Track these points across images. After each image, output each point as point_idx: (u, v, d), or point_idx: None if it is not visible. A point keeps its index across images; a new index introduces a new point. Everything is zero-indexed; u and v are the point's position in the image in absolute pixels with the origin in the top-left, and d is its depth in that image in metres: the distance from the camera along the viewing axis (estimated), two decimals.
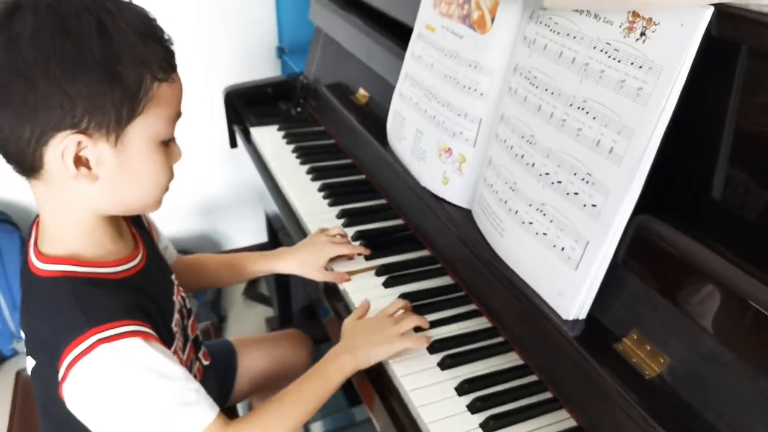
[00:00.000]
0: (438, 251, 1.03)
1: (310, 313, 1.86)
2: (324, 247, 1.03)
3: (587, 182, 0.70)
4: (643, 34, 0.64)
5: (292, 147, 1.40)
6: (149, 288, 0.76)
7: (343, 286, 1.00)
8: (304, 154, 1.36)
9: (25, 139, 0.63)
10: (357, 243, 1.07)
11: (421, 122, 1.00)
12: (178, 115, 0.71)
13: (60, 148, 0.64)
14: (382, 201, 1.20)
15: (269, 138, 1.45)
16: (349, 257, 1.04)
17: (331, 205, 1.20)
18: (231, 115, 1.57)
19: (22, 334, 0.76)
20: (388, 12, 1.24)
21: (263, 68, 1.98)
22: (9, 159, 0.67)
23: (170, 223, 1.91)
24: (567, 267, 0.73)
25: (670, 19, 0.61)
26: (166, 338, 0.75)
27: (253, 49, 1.98)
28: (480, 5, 0.87)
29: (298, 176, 1.30)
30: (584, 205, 0.71)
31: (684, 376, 0.64)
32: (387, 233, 1.12)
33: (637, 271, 0.69)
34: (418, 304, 0.94)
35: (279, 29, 1.97)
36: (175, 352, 0.78)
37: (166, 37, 0.69)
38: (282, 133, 1.46)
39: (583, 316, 0.73)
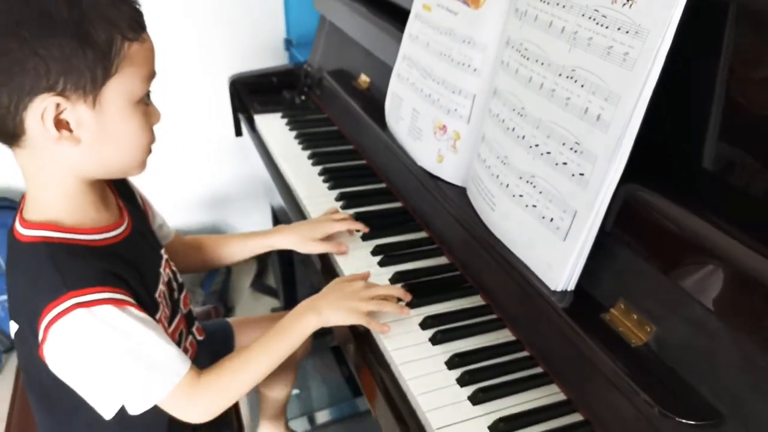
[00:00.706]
0: (435, 232, 1.03)
1: None
2: (323, 224, 1.04)
3: (575, 151, 0.70)
4: None
5: (294, 133, 1.41)
6: (131, 257, 0.77)
7: (339, 267, 1.00)
8: (306, 140, 1.37)
9: (4, 106, 0.65)
10: None
11: (417, 101, 1.01)
12: (153, 74, 0.73)
13: (39, 111, 0.65)
14: (382, 185, 1.20)
15: (273, 125, 1.46)
16: (349, 233, 1.04)
17: (330, 188, 1.20)
18: (236, 104, 1.59)
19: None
20: None
21: (271, 61, 1.99)
22: None
23: (176, 216, 1.93)
24: (555, 238, 0.73)
25: None
26: (149, 306, 0.77)
27: (261, 42, 1.99)
28: None
29: (299, 161, 1.30)
30: (572, 175, 0.70)
31: (670, 344, 0.64)
32: (385, 215, 1.12)
33: (624, 241, 0.69)
34: (412, 282, 0.93)
35: (287, 22, 1.99)
36: (159, 321, 0.79)
37: None
38: (285, 120, 1.47)
39: (571, 287, 0.73)
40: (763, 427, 0.55)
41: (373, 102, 1.25)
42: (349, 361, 0.95)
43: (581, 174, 0.69)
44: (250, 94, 1.59)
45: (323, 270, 1.04)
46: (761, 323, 0.56)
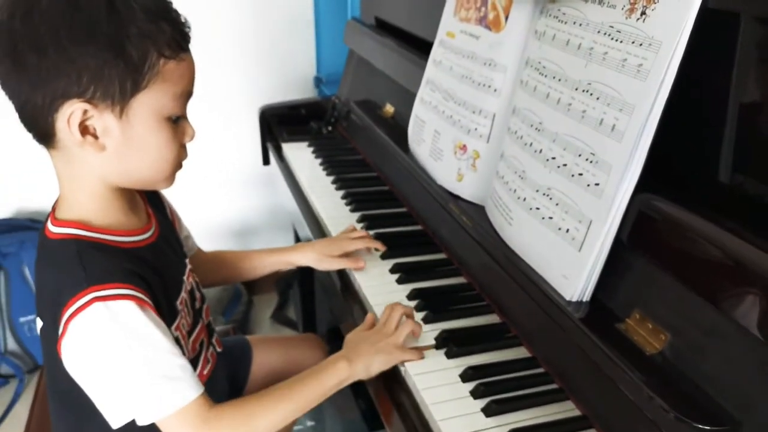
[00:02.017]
0: (453, 254, 1.04)
1: (335, 337, 1.87)
2: (341, 241, 1.06)
3: (591, 162, 0.71)
4: (643, 13, 0.66)
5: (320, 160, 1.45)
6: (155, 262, 0.78)
7: (358, 282, 1.01)
8: (331, 167, 1.40)
9: (38, 106, 0.68)
10: None
11: (439, 123, 1.03)
12: (188, 93, 0.75)
13: (67, 114, 0.68)
14: (403, 209, 1.22)
15: (299, 153, 1.50)
16: (367, 251, 1.06)
17: (352, 210, 1.23)
18: (265, 133, 1.64)
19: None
20: (412, 31, 1.30)
21: (301, 96, 2.06)
22: (28, 126, 0.72)
23: (202, 244, 1.98)
24: (571, 248, 0.73)
25: None
26: (166, 312, 0.77)
27: (292, 79, 2.07)
28: (495, 6, 0.91)
29: (323, 186, 1.34)
30: (588, 185, 0.71)
31: (684, 351, 0.63)
32: (404, 236, 1.14)
33: (639, 250, 0.69)
34: (429, 301, 0.94)
35: (317, 60, 2.06)
36: (177, 329, 0.80)
37: (181, 19, 0.73)
38: (312, 148, 1.51)
39: (587, 297, 0.73)
40: None
41: (397, 129, 1.28)
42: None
43: (596, 184, 0.70)
44: (279, 125, 1.65)
45: (342, 288, 1.05)
46: None
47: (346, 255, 1.04)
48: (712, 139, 0.67)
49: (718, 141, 0.66)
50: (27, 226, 1.88)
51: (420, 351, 0.83)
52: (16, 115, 0.72)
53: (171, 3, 0.73)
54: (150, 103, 0.71)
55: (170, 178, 0.78)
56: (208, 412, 0.73)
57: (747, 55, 0.62)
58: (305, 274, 1.84)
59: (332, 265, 1.04)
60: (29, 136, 0.74)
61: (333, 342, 1.86)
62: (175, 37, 0.71)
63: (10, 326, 1.86)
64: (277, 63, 2.03)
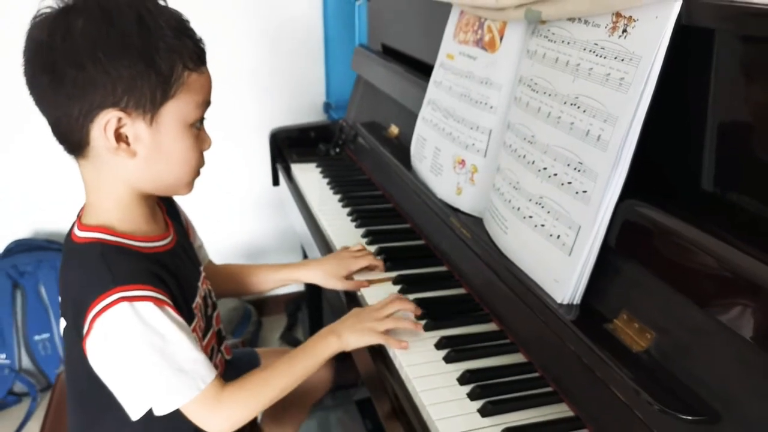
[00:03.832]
0: (454, 266, 1.08)
1: (341, 356, 1.90)
2: (347, 261, 1.09)
3: (578, 171, 0.75)
4: (624, 30, 0.71)
5: (327, 180, 1.49)
6: (173, 267, 0.84)
7: (361, 293, 1.05)
8: (338, 185, 1.45)
9: (74, 117, 0.74)
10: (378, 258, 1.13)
11: (439, 140, 1.08)
12: (207, 102, 0.81)
13: (103, 122, 0.74)
14: (406, 225, 1.26)
15: (308, 173, 1.56)
16: (370, 268, 1.09)
17: (357, 226, 1.27)
18: (275, 155, 1.70)
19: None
20: (415, 56, 1.36)
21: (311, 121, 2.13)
22: (60, 138, 0.78)
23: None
24: (562, 253, 0.77)
25: (647, 14, 0.68)
26: (186, 315, 0.82)
27: (303, 105, 2.14)
28: (491, 28, 0.96)
29: (330, 204, 1.38)
30: (576, 193, 0.75)
31: (668, 348, 0.66)
32: (407, 250, 1.17)
33: (626, 254, 0.73)
34: (430, 310, 0.97)
35: (327, 87, 2.13)
36: (194, 331, 0.84)
37: (197, 36, 0.79)
38: (320, 169, 1.56)
39: (577, 300, 0.76)
40: (754, 422, 0.56)
41: (401, 148, 1.33)
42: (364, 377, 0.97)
43: (584, 191, 0.74)
44: (289, 147, 1.70)
45: (348, 301, 1.08)
46: (751, 324, 0.58)
47: (351, 276, 1.08)
48: (693, 147, 0.71)
49: (698, 149, 0.70)
50: (44, 246, 1.93)
51: (400, 341, 0.89)
52: (36, 138, 0.78)
53: (189, 21, 0.79)
54: (177, 111, 0.77)
55: (190, 184, 0.84)
56: (221, 393, 0.81)
57: (721, 67, 0.66)
58: (314, 295, 1.87)
59: (338, 286, 1.08)
60: (48, 159, 0.80)
61: (339, 357, 1.89)
62: (196, 51, 0.78)
63: (26, 344, 1.90)
64: (288, 90, 2.10)
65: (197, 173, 0.84)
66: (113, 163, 0.78)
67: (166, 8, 0.77)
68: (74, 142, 0.77)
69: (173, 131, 0.78)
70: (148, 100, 0.74)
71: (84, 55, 0.72)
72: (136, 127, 0.76)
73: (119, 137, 0.76)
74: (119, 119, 0.74)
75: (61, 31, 0.72)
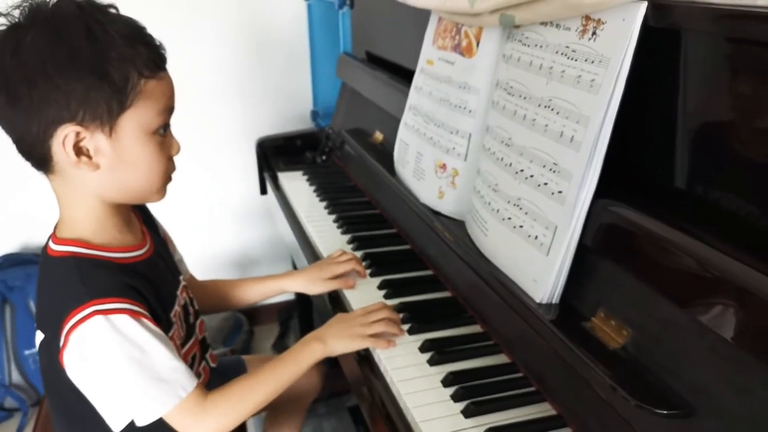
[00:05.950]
0: (438, 270, 1.08)
1: (332, 363, 1.90)
2: (329, 265, 1.10)
3: (554, 171, 0.76)
4: (594, 33, 0.72)
5: (314, 188, 1.50)
6: (150, 276, 0.84)
7: (347, 299, 1.06)
8: (324, 193, 1.46)
9: (34, 134, 0.74)
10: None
11: (421, 145, 1.09)
12: (170, 108, 0.81)
13: (61, 138, 0.74)
14: (392, 230, 1.27)
15: (295, 182, 1.56)
16: (358, 274, 1.10)
17: (343, 233, 1.28)
18: (262, 164, 1.70)
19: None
20: (398, 62, 1.37)
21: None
22: (25, 155, 0.78)
23: (202, 274, 2.03)
24: (540, 254, 0.78)
25: (614, 17, 0.69)
26: (163, 323, 0.82)
27: (290, 114, 2.14)
28: (468, 34, 0.97)
29: (317, 211, 1.39)
30: (552, 193, 0.76)
31: (644, 344, 0.67)
32: (392, 255, 1.18)
33: (601, 253, 0.74)
34: (415, 314, 0.98)
35: (314, 95, 2.14)
36: (171, 339, 0.84)
37: (155, 42, 0.79)
38: (306, 176, 1.57)
39: (556, 299, 0.77)
40: (727, 414, 0.57)
41: (386, 154, 1.34)
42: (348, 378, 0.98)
43: (560, 192, 0.75)
44: (276, 156, 1.71)
45: (333, 306, 1.09)
46: (724, 319, 0.59)
47: (337, 277, 1.09)
48: (663, 145, 0.72)
49: (669, 147, 0.71)
50: (33, 260, 1.93)
51: (386, 341, 0.90)
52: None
53: (145, 28, 0.79)
54: (136, 120, 0.76)
55: (162, 191, 0.84)
56: (204, 402, 0.81)
57: (690, 67, 0.68)
58: (305, 304, 1.88)
59: (324, 288, 1.08)
60: (34, 173, 0.80)
61: (329, 361, 1.89)
62: (152, 58, 0.77)
63: (15, 359, 1.89)
64: (276, 99, 2.11)
65: (168, 179, 0.84)
66: (79, 177, 0.77)
67: (118, 17, 0.77)
68: (38, 158, 0.77)
69: (135, 140, 0.77)
70: (105, 112, 0.74)
71: (34, 72, 0.71)
72: (95, 140, 0.75)
73: (80, 151, 0.75)
74: (77, 133, 0.74)
75: (11, 50, 0.72)
